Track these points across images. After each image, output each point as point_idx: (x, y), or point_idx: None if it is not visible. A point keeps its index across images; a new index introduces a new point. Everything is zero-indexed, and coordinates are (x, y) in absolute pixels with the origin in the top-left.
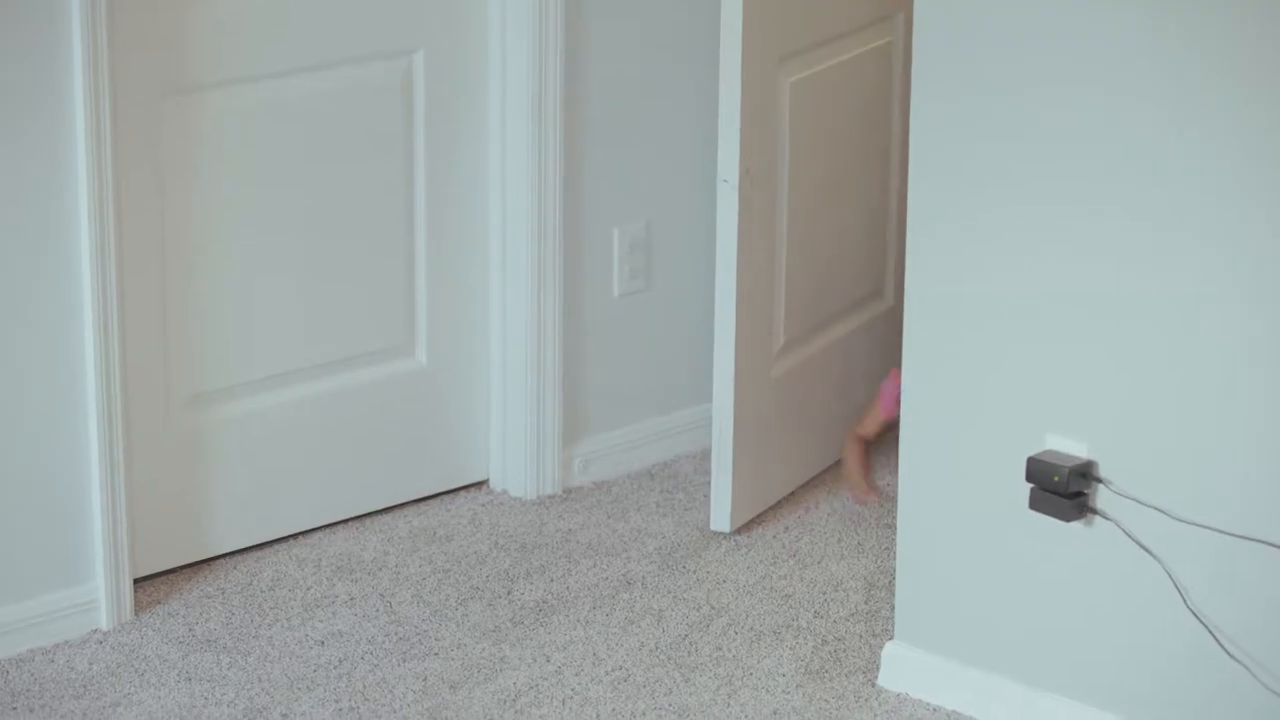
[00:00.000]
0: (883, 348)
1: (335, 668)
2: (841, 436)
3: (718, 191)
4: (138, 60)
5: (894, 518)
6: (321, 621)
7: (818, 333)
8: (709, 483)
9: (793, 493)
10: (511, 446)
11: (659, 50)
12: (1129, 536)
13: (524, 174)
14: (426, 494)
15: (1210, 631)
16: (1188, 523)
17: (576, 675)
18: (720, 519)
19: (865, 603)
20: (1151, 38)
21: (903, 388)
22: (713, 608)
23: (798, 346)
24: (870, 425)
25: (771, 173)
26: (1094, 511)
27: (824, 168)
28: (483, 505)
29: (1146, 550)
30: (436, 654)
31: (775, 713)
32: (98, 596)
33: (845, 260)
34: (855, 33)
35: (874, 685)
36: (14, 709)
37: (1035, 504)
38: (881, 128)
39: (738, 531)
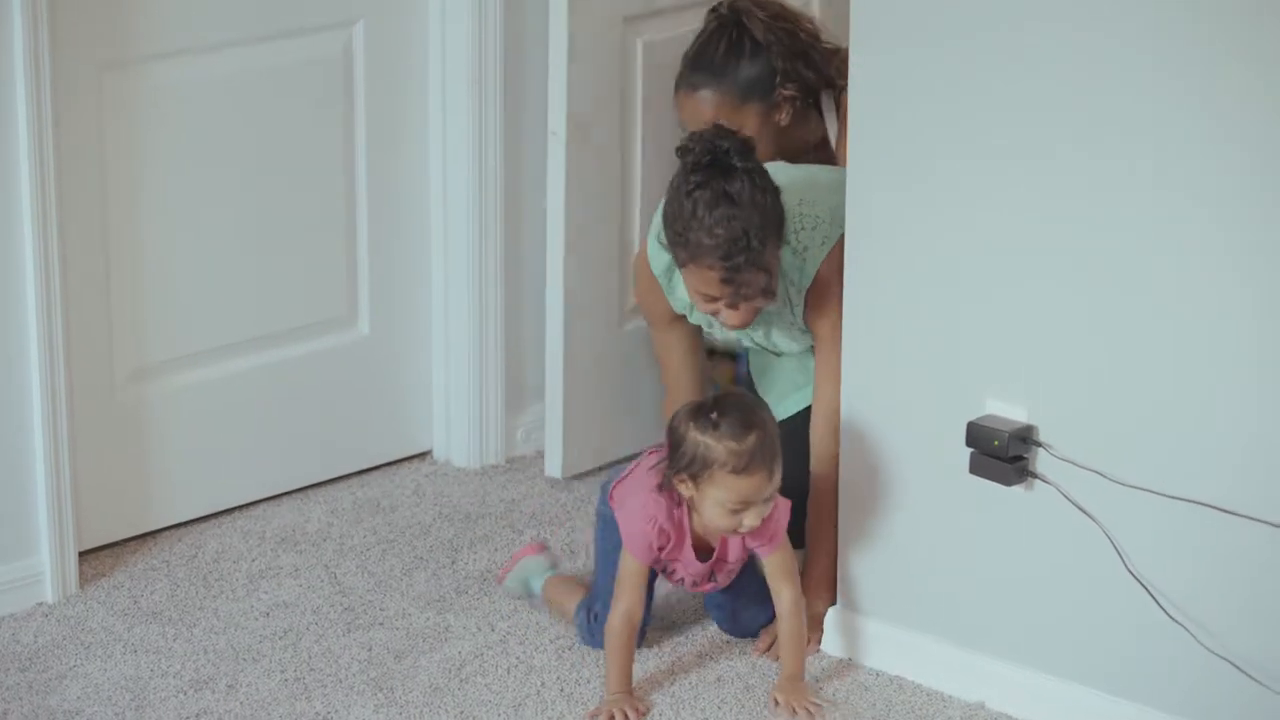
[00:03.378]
0: None
1: (281, 638)
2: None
3: (548, 144)
4: (77, 33)
5: None
6: (266, 593)
7: None
8: None
9: None
10: (454, 417)
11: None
12: (1069, 500)
13: (465, 143)
14: (370, 465)
15: (1150, 594)
16: (1127, 485)
17: (521, 644)
18: (553, 465)
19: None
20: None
21: (845, 352)
22: None
23: None
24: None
25: (617, 130)
26: (1034, 476)
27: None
28: (426, 476)
29: (1086, 514)
30: (381, 624)
31: (719, 679)
32: (43, 570)
33: None
34: None
35: (819, 651)
36: None
37: (975, 469)
38: None
39: None
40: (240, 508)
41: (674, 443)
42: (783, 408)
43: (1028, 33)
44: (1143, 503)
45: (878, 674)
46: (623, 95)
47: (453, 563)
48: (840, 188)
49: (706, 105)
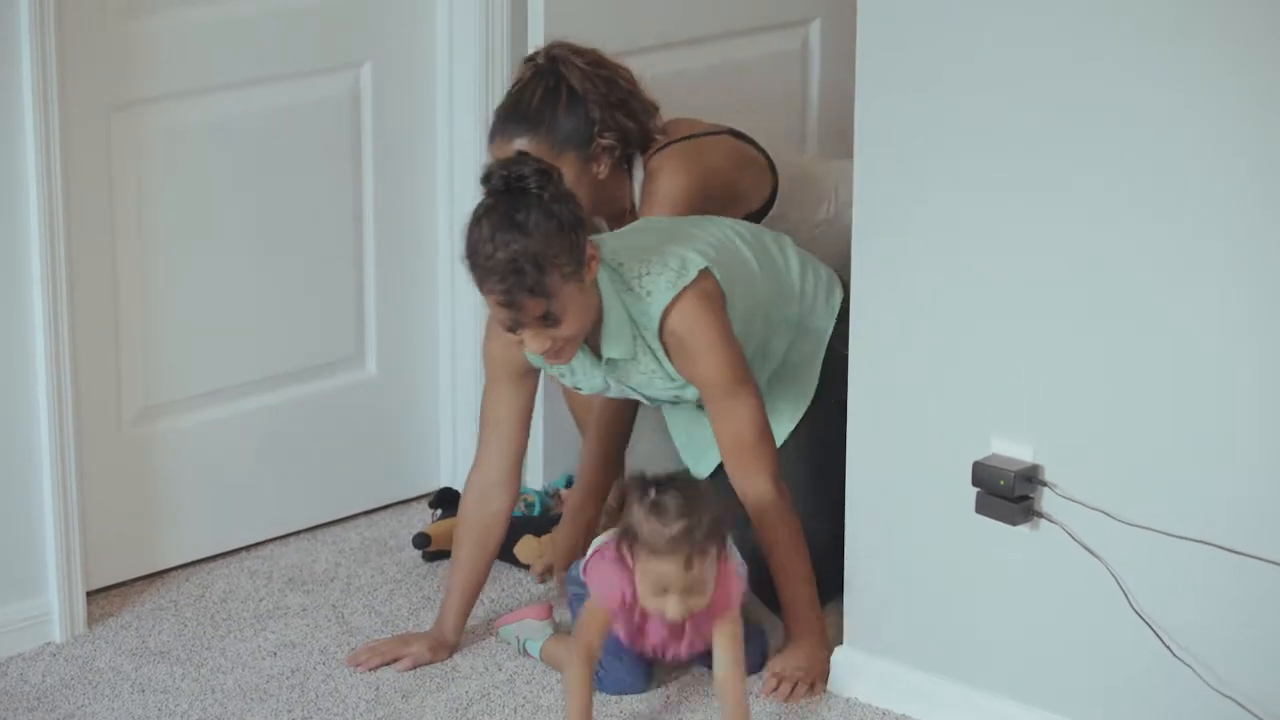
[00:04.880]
0: None
1: (288, 678)
2: None
3: None
4: (86, 75)
5: None
6: (274, 633)
7: None
8: None
9: None
10: (462, 457)
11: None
12: (1074, 539)
13: (472, 184)
14: (378, 505)
15: (1155, 632)
16: (1132, 525)
17: (527, 684)
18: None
19: None
20: (1106, 30)
21: (850, 391)
22: None
23: None
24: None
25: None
26: (1039, 515)
27: None
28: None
29: (1091, 553)
30: (388, 664)
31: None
32: (50, 609)
33: None
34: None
35: (825, 691)
36: None
37: (981, 508)
38: None
39: None
40: (248, 547)
41: (624, 507)
42: (704, 464)
43: (1027, 68)
44: (1148, 542)
45: (884, 713)
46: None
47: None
48: (700, 237)
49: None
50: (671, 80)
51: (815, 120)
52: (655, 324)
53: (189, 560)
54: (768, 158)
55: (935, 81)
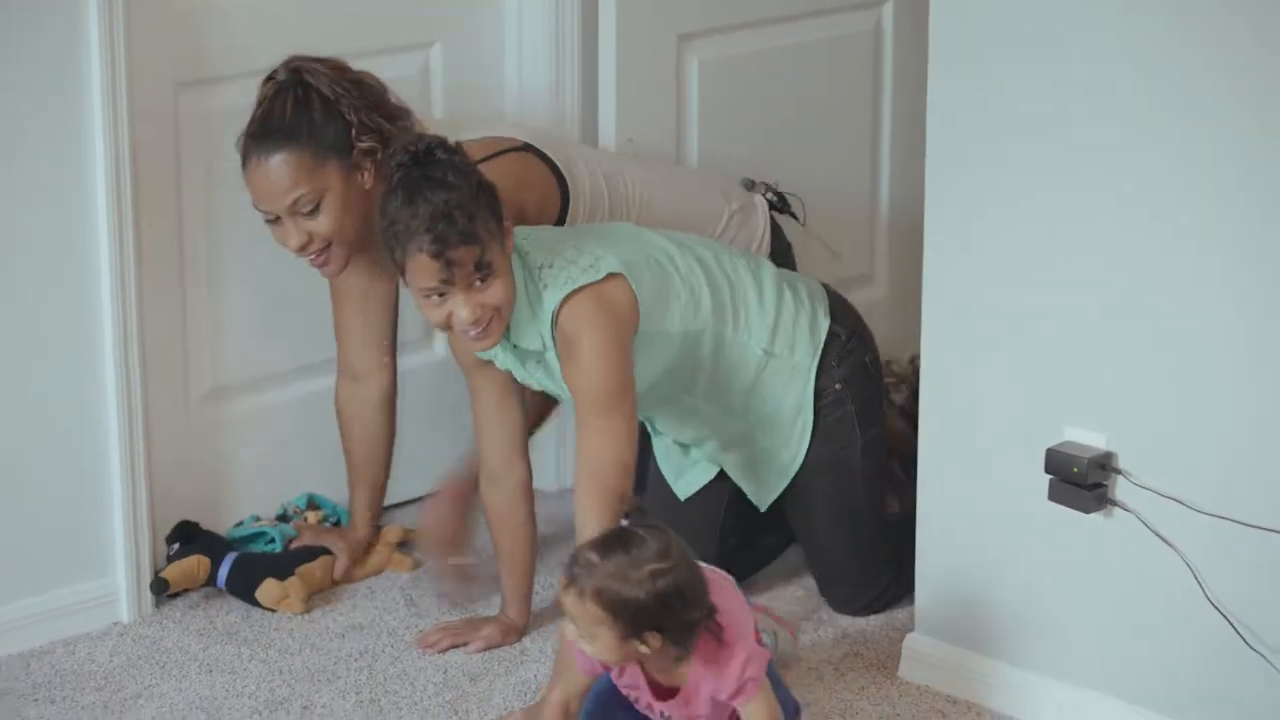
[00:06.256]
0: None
1: (356, 660)
2: None
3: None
4: (154, 52)
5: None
6: (342, 614)
7: None
8: None
9: None
10: (535, 438)
11: None
12: (1148, 528)
13: None
14: None
15: (1230, 623)
16: (1207, 514)
17: None
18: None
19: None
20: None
21: (923, 380)
22: None
23: None
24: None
25: (673, 149)
26: (1113, 503)
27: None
28: None
29: (1166, 541)
30: (458, 646)
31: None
32: (118, 589)
33: (804, 245)
34: (806, 18)
35: (894, 678)
36: (35, 700)
37: (1054, 496)
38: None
39: None
40: None
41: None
42: (681, 485)
43: (1108, 57)
44: (1223, 531)
45: (953, 700)
46: (678, 114)
47: (535, 587)
48: (633, 245)
49: (283, 170)
50: (743, 61)
51: (889, 106)
52: (549, 320)
53: None
54: (558, 173)
55: (1011, 67)
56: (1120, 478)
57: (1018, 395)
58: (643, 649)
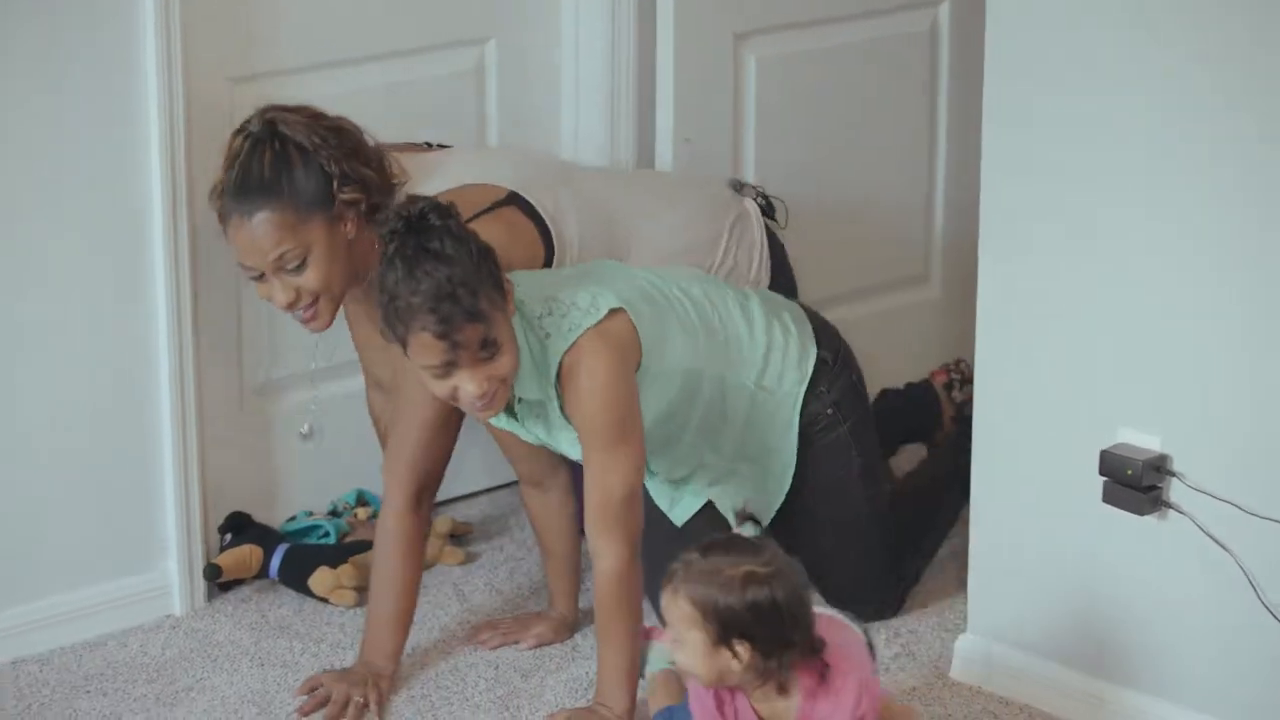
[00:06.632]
0: (929, 336)
1: (408, 655)
2: None
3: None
4: (209, 46)
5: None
6: None
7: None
8: None
9: None
10: None
11: None
12: (1203, 531)
13: (599, 158)
14: (498, 483)
15: None
16: (1263, 518)
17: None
18: None
19: (937, 596)
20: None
21: (976, 380)
22: None
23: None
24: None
25: (729, 148)
26: (1167, 505)
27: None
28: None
29: (1220, 545)
30: (511, 643)
31: None
32: (171, 582)
33: (859, 244)
34: (862, 18)
35: (946, 678)
36: (87, 692)
37: (1108, 498)
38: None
39: None
40: None
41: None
42: (677, 511)
43: (1171, 82)
44: (1278, 534)
45: (1006, 702)
46: (735, 113)
47: (581, 583)
48: (626, 282)
49: (265, 229)
50: (800, 60)
51: (944, 105)
52: (554, 366)
53: None
54: (542, 224)
55: (1068, 69)
56: (1175, 480)
57: (1072, 397)
58: (733, 662)
